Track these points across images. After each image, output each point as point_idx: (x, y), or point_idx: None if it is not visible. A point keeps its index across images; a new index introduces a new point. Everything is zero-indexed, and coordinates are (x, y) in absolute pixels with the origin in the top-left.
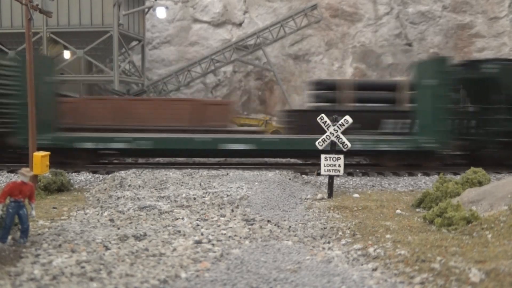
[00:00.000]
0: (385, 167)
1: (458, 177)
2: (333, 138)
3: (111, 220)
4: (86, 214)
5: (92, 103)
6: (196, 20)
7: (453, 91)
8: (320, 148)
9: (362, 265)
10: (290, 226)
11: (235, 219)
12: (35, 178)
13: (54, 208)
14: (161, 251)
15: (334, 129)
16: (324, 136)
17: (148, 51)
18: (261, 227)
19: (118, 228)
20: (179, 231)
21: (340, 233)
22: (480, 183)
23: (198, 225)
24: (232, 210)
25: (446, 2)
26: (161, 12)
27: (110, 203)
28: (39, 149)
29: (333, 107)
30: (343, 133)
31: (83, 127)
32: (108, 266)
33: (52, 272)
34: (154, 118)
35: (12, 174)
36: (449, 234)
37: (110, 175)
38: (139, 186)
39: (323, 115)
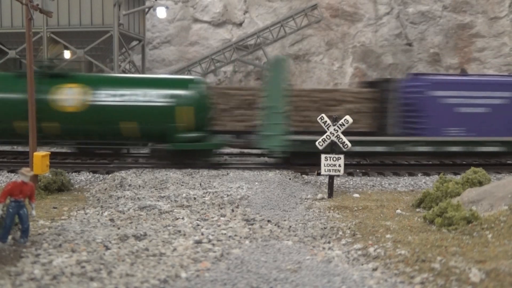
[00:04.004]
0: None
1: (458, 177)
2: (333, 138)
3: (111, 220)
4: (86, 214)
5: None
6: (196, 20)
7: None
8: (320, 148)
9: (362, 265)
10: (290, 226)
11: (235, 219)
12: (35, 178)
13: (55, 208)
14: (161, 251)
15: (334, 129)
16: (324, 136)
17: (148, 51)
18: (261, 227)
19: (118, 228)
20: (179, 231)
21: (340, 233)
22: (480, 183)
23: (198, 225)
24: (232, 210)
25: (446, 2)
26: (161, 12)
27: (110, 203)
28: None
29: None
30: None
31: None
32: (108, 266)
33: (52, 272)
34: None
35: (12, 174)
36: (449, 234)
37: (110, 175)
38: (139, 186)
39: (323, 115)
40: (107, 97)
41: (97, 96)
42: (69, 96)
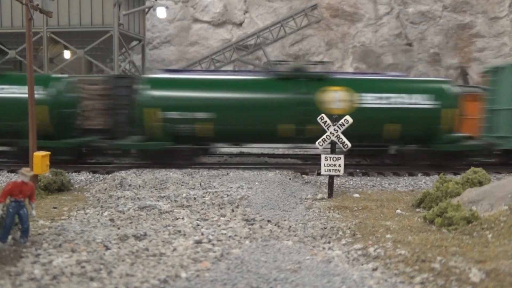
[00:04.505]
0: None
1: (458, 177)
2: (333, 138)
3: (111, 220)
4: (86, 214)
5: None
6: (196, 20)
7: None
8: (320, 148)
9: (362, 265)
10: (290, 226)
11: (235, 219)
12: (35, 177)
13: (55, 208)
14: (161, 251)
15: (334, 129)
16: (324, 136)
17: (148, 51)
18: (261, 227)
19: (118, 228)
20: (179, 231)
21: (340, 233)
22: (480, 183)
23: (198, 225)
24: (232, 210)
25: (446, 2)
26: (161, 12)
27: (110, 203)
28: None
29: None
30: None
31: None
32: (108, 266)
33: (52, 272)
34: None
35: (12, 174)
36: (449, 234)
37: (110, 175)
38: (139, 186)
39: (323, 115)
40: (374, 99)
41: (364, 99)
42: (336, 99)
